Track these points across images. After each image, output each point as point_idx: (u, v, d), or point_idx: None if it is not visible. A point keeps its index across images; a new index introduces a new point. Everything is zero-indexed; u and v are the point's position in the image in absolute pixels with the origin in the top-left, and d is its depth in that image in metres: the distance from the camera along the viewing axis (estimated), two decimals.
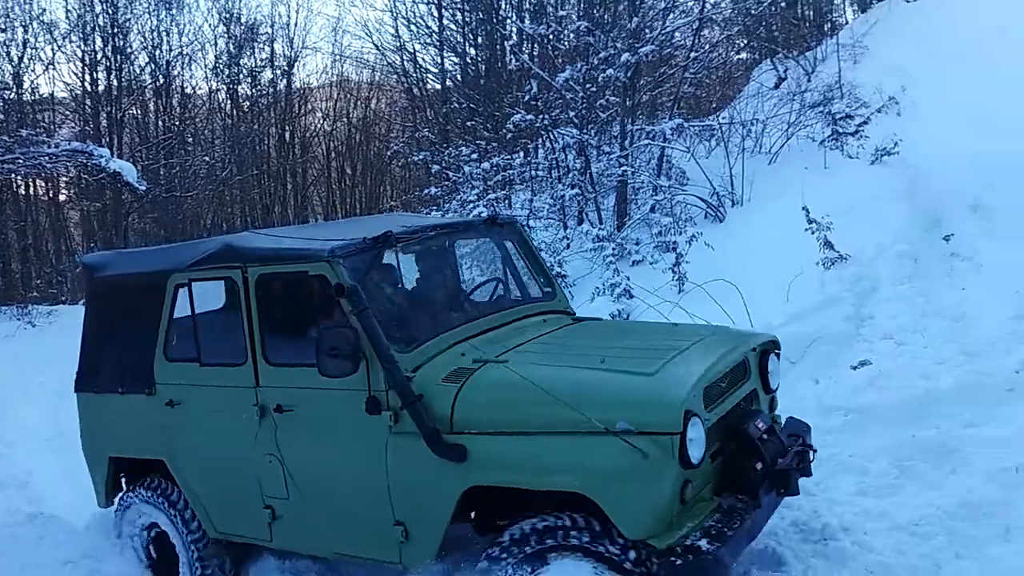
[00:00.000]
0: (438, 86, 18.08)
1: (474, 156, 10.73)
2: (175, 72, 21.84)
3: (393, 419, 3.54)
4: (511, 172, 11.23)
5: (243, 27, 23.02)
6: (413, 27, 17.95)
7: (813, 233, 7.71)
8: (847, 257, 7.69)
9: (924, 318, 6.79)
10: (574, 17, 11.00)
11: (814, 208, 7.85)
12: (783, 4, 17.60)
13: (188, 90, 22.56)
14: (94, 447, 4.77)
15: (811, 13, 18.29)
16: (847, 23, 17.72)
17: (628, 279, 8.49)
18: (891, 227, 8.12)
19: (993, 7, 14.57)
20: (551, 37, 11.24)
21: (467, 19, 15.76)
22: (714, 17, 12.18)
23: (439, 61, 17.62)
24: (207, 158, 22.26)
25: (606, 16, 11.04)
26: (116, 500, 4.77)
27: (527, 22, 11.93)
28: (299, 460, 3.89)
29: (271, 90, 24.20)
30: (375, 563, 3.87)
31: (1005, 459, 4.87)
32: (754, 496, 3.46)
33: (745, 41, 16.33)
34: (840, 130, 10.12)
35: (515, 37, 13.30)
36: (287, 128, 24.52)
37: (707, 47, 12.31)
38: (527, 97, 10.63)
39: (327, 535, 3.92)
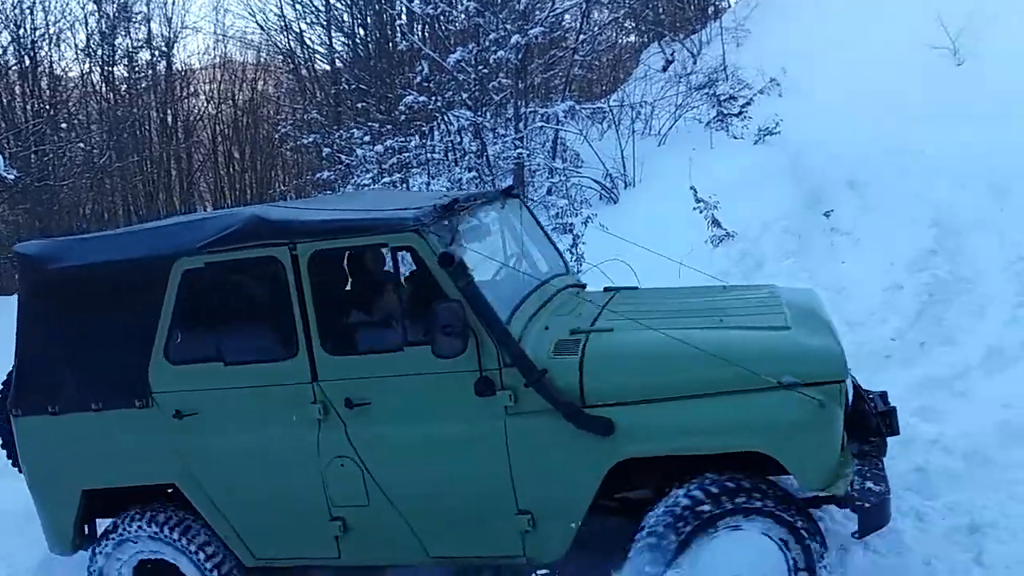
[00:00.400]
0: (327, 67, 17.61)
1: (367, 139, 10.51)
2: (42, 53, 20.43)
3: (512, 399, 3.23)
4: (407, 155, 11.06)
5: (115, 5, 21.74)
6: (299, 6, 17.42)
7: (701, 212, 7.94)
8: (734, 234, 7.96)
9: None
10: None
11: (702, 188, 8.07)
12: None
13: (58, 71, 21.17)
14: (54, 481, 3.80)
15: None
16: (730, 6, 18.25)
17: None
18: (775, 204, 8.44)
19: None
20: (441, 17, 11.10)
21: None
22: (602, 0, 12.29)
23: (327, 41, 17.17)
24: (82, 144, 20.97)
25: None
26: (96, 539, 3.93)
27: (416, 2, 11.72)
28: (384, 459, 3.40)
29: (150, 72, 22.99)
30: (486, 562, 3.50)
31: None
32: (880, 436, 3.59)
33: (633, 24, 16.60)
34: (725, 111, 10.44)
35: (404, 17, 13.06)
36: (169, 112, 23.37)
37: (596, 29, 12.44)
38: (419, 78, 10.48)
39: (425, 538, 3.46)
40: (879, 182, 8.40)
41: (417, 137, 11.36)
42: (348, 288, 3.82)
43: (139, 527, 3.73)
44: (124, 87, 22.61)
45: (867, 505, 3.13)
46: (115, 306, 3.65)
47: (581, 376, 3.25)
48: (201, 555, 3.70)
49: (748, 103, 10.55)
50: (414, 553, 3.48)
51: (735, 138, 10.26)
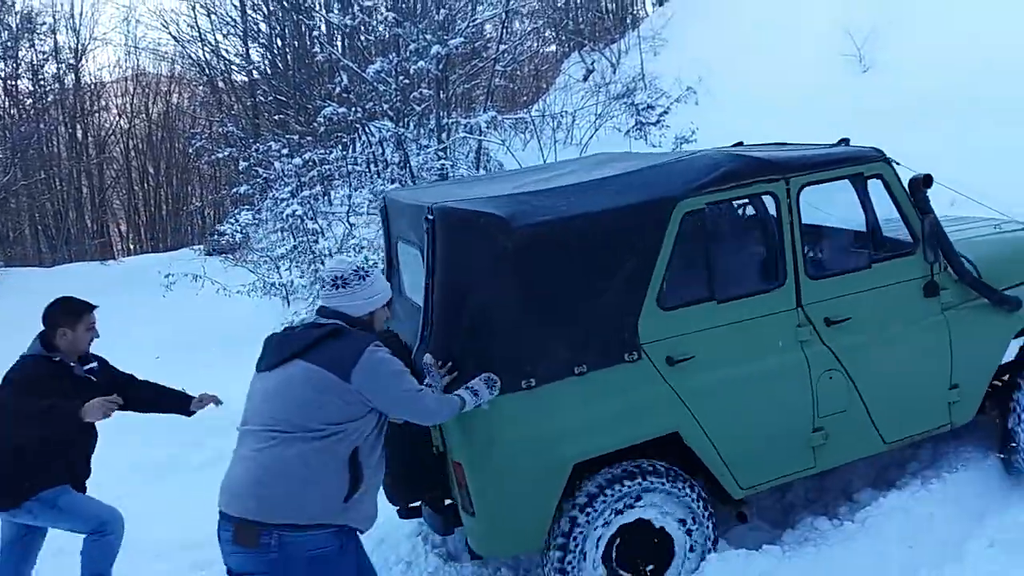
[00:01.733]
0: (245, 78, 17.25)
1: (285, 151, 10.29)
2: None
3: (952, 296, 3.92)
4: (328, 167, 10.89)
5: (18, 16, 20.82)
6: (214, 17, 17.02)
7: None
8: None
9: None
10: (383, 8, 10.80)
11: None
12: None
13: None
14: (533, 464, 3.28)
15: (614, 6, 19.05)
16: (647, 16, 18.61)
17: None
18: None
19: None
20: (361, 28, 10.99)
21: (271, 8, 15.09)
22: (521, 10, 12.37)
23: (244, 52, 16.81)
24: None
25: (417, 5, 10.93)
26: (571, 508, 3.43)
27: (336, 11, 11.57)
28: (864, 365, 3.75)
29: (57, 86, 22.10)
30: (923, 436, 4.00)
31: None
32: None
33: (553, 34, 16.77)
34: (643, 120, 10.63)
35: (323, 28, 12.89)
36: (78, 126, 22.49)
37: (516, 40, 12.51)
38: (338, 89, 10.33)
39: (883, 428, 3.84)
40: None
41: (339, 149, 11.20)
42: (827, 216, 4.17)
43: (648, 484, 3.42)
44: (29, 101, 21.66)
45: None
46: (602, 258, 3.37)
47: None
48: (699, 504, 3.51)
49: (665, 111, 10.76)
50: (873, 444, 3.87)
51: (654, 146, 10.44)
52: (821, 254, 4.07)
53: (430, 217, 3.26)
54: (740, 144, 4.51)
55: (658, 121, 10.71)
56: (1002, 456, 4.10)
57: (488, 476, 3.28)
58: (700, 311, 3.51)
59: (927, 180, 3.86)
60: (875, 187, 3.85)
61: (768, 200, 3.63)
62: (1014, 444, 4.04)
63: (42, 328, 3.66)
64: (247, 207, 11.44)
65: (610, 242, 3.36)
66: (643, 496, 3.42)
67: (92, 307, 3.71)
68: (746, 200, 3.70)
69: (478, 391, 3.02)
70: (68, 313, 3.63)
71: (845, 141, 4.19)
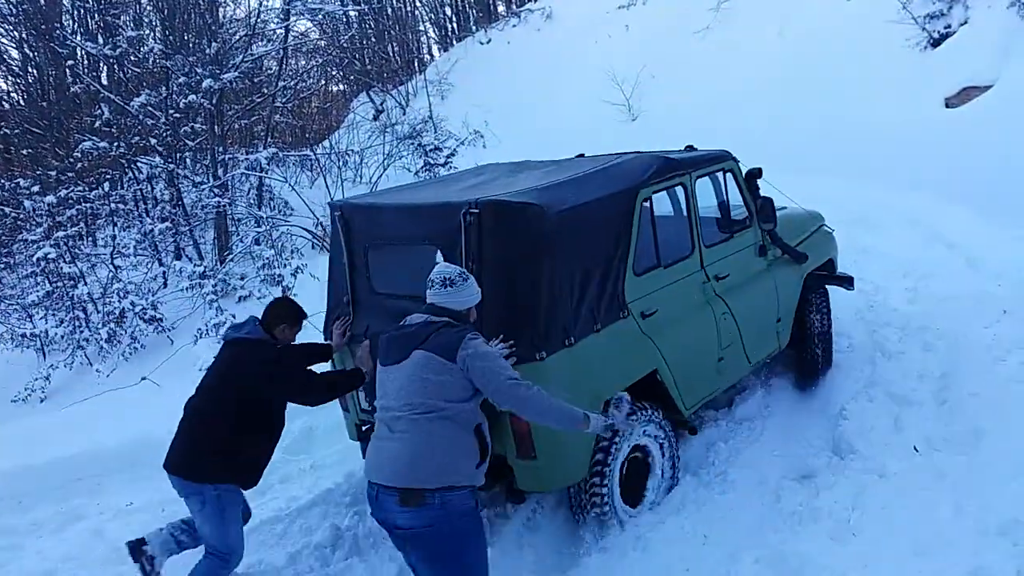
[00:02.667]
0: None
1: (36, 188, 9.28)
2: None
3: (772, 254, 5.28)
4: (90, 205, 9.96)
5: None
6: None
7: None
8: None
9: None
10: (150, 40, 10.14)
11: None
12: (373, 39, 18.30)
13: None
14: (584, 402, 3.65)
15: (400, 48, 19.26)
16: (433, 60, 18.98)
17: (234, 317, 7.98)
18: None
19: (549, 47, 16.73)
20: (127, 59, 10.24)
21: (24, 35, 13.73)
22: (300, 47, 12.14)
23: None
24: None
25: (189, 38, 10.38)
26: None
27: (99, 42, 10.71)
28: (741, 307, 4.85)
29: None
30: (765, 360, 5.26)
31: None
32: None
33: (340, 73, 16.61)
34: (431, 161, 10.71)
35: (82, 56, 11.89)
36: None
37: (296, 77, 12.24)
38: (98, 123, 9.52)
39: (751, 354, 4.99)
40: None
41: (107, 185, 10.31)
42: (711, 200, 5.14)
43: (642, 415, 4.29)
44: None
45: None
46: (602, 236, 4.18)
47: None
48: (667, 429, 4.46)
49: (452, 153, 10.93)
50: (745, 367, 5.01)
51: None
52: (714, 228, 5.06)
53: (475, 210, 3.82)
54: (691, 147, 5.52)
55: (446, 162, 10.85)
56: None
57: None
58: (655, 275, 4.43)
59: (759, 173, 5.15)
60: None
61: (679, 189, 4.71)
62: (814, 359, 5.48)
63: (259, 317, 4.05)
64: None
65: (605, 223, 4.19)
66: (647, 425, 4.33)
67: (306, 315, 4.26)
68: (668, 188, 4.66)
69: (591, 416, 3.35)
70: (295, 315, 4.14)
71: (690, 147, 5.24)
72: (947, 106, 9.24)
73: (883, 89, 9.88)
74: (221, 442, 3.79)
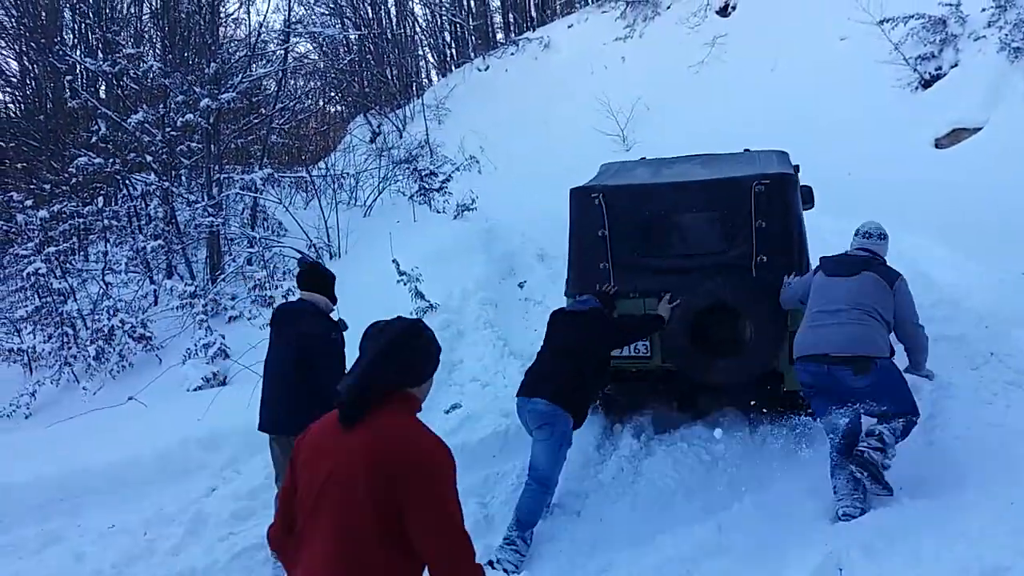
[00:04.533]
0: None
1: (29, 202, 9.26)
2: None
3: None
4: (83, 220, 9.95)
5: None
6: None
7: (405, 284, 8.00)
8: (437, 305, 8.11)
9: (503, 359, 7.37)
10: (150, 57, 10.19)
11: (407, 258, 8.16)
12: (371, 61, 18.45)
13: None
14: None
15: (398, 72, 19.39)
16: (431, 85, 19.12)
17: (223, 337, 7.95)
18: (474, 275, 8.77)
19: (546, 76, 16.89)
20: (126, 76, 10.28)
21: (24, 48, 13.79)
22: (299, 69, 12.20)
23: None
24: None
25: (188, 57, 10.44)
26: None
27: (100, 58, 10.75)
28: None
29: None
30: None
31: None
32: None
33: (338, 95, 16.70)
34: (427, 186, 10.75)
35: (81, 72, 11.93)
36: None
37: (295, 98, 12.30)
38: (94, 138, 9.53)
39: None
40: (560, 255, 9.10)
41: (101, 201, 10.30)
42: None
43: None
44: None
45: None
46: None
47: None
48: None
49: (448, 179, 10.97)
50: None
51: (437, 212, 10.58)
52: None
53: (765, 181, 5.13)
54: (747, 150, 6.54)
55: (441, 188, 10.89)
56: None
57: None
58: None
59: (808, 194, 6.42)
60: None
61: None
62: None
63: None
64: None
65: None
66: None
67: None
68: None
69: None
70: (608, 301, 5.27)
71: (747, 150, 6.27)
72: (937, 146, 9.37)
73: (874, 128, 10.00)
74: (581, 388, 4.71)
